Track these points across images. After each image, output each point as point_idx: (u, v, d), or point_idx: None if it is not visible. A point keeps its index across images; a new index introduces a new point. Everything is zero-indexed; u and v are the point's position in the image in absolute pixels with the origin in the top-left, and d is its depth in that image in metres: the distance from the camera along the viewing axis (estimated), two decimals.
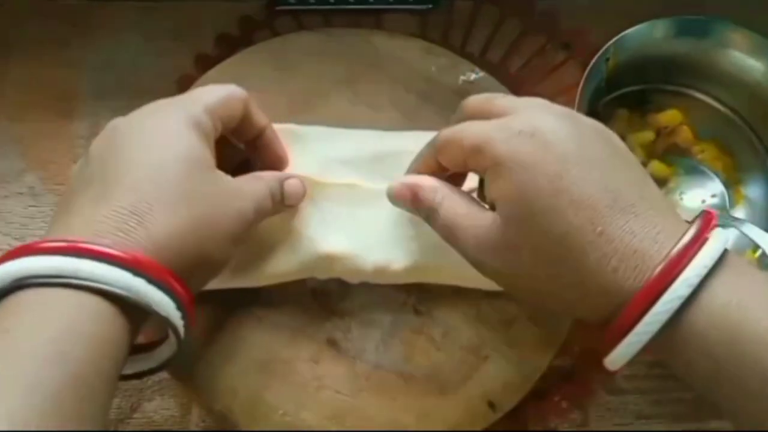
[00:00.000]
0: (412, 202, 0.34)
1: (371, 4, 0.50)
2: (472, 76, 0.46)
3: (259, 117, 0.37)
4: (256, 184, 0.35)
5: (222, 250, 0.32)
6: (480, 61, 0.49)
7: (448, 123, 0.44)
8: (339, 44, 0.46)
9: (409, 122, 0.44)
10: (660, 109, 0.47)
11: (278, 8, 0.50)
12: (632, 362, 0.31)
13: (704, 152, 0.46)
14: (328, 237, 0.39)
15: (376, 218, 0.40)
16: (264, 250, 0.39)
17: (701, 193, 0.46)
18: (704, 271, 0.26)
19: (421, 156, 0.36)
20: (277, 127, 0.43)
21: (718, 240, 0.27)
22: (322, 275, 0.40)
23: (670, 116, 0.46)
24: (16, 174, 0.45)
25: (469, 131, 0.31)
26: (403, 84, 0.45)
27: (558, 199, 0.28)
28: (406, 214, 0.40)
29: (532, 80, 0.50)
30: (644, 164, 0.45)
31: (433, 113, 0.45)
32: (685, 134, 0.46)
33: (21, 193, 0.45)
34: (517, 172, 0.29)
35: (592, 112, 0.44)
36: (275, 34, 0.49)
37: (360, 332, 0.39)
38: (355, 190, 0.40)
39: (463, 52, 0.49)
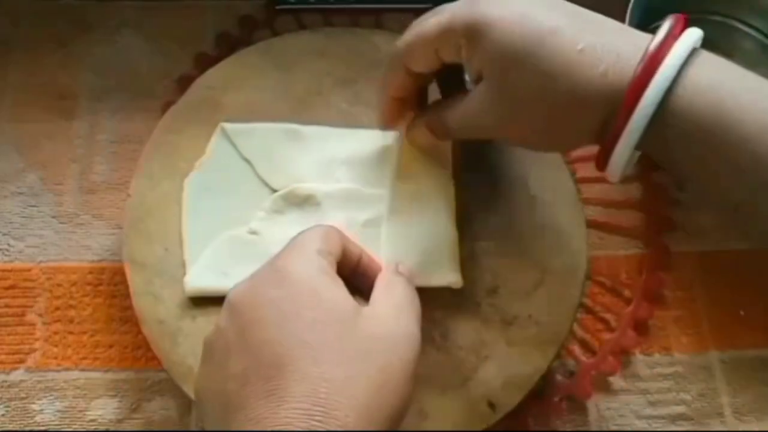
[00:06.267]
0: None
1: (371, 3, 0.50)
2: None
3: (353, 245, 0.35)
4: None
5: (406, 391, 0.29)
6: None
7: None
8: (339, 44, 0.46)
9: None
10: None
11: (278, 8, 0.50)
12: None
13: None
14: None
15: (376, 222, 0.40)
16: (266, 256, 0.39)
17: None
18: (684, 55, 0.28)
19: (387, 79, 0.36)
20: (277, 126, 0.43)
21: (691, 35, 0.29)
22: None
23: None
24: (15, 174, 0.45)
25: (428, 22, 0.33)
26: None
27: (531, 30, 0.30)
28: (406, 217, 0.40)
29: None
30: None
31: None
32: None
33: (21, 193, 0.45)
34: (488, 25, 0.30)
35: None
36: (275, 33, 0.49)
37: None
38: (354, 194, 0.40)
39: None
